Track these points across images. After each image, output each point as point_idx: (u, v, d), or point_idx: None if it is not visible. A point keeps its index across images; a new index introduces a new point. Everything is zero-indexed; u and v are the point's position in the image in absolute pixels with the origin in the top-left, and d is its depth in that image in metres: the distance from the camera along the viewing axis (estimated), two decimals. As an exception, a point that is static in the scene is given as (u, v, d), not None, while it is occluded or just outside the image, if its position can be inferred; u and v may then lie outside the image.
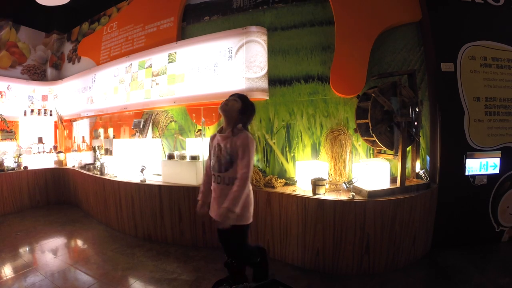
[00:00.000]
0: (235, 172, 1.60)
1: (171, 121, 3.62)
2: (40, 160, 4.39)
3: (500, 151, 2.49)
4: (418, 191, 2.23)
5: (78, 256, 2.58)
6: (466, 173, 2.45)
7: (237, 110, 1.65)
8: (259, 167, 2.95)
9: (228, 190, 1.59)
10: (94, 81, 4.26)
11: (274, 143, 2.95)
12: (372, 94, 2.20)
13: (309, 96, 2.78)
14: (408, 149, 2.37)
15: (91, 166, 3.77)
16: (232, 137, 1.63)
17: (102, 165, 3.46)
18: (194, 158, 2.81)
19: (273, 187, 2.51)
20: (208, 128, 3.30)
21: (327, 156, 2.63)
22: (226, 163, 1.62)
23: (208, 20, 3.33)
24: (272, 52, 2.92)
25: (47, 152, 4.60)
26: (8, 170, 3.91)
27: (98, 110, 4.16)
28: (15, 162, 4.05)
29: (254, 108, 1.76)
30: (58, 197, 4.38)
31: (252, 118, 1.80)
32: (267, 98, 2.88)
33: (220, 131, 1.72)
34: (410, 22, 2.55)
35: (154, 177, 3.09)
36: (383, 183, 2.21)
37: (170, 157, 2.95)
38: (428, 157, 2.57)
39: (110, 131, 4.21)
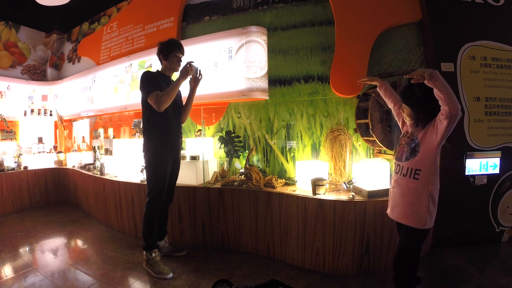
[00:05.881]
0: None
1: (171, 121, 3.62)
2: (40, 160, 4.39)
3: (500, 151, 2.49)
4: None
5: (78, 256, 2.58)
6: (466, 173, 2.44)
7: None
8: (259, 167, 2.95)
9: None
10: (94, 81, 4.26)
11: (274, 143, 2.95)
12: (372, 94, 2.20)
13: (309, 96, 2.79)
14: (408, 149, 2.37)
15: (91, 166, 3.77)
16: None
17: (102, 165, 3.46)
18: (194, 158, 2.81)
19: (273, 187, 2.51)
20: (208, 128, 3.30)
21: (327, 156, 2.63)
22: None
23: (208, 20, 3.33)
24: (272, 52, 2.92)
25: (47, 152, 4.60)
26: (8, 170, 3.91)
27: (98, 110, 4.16)
28: (15, 162, 4.05)
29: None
30: (58, 197, 4.38)
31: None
32: (267, 98, 2.88)
33: None
34: (410, 22, 2.55)
35: (154, 177, 3.09)
36: (383, 183, 2.20)
37: (170, 157, 2.95)
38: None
39: (110, 131, 4.21)
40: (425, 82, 1.34)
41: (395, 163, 1.63)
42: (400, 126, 1.74)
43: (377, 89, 1.88)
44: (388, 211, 1.68)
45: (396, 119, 1.79)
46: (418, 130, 1.52)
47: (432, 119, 1.45)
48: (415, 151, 1.49)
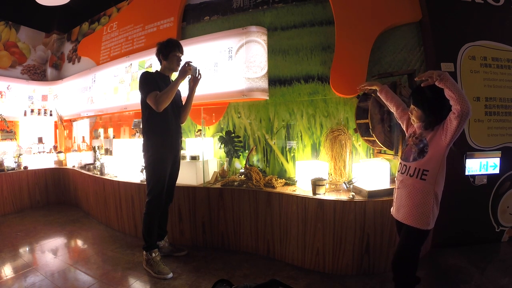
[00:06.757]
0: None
1: (171, 121, 3.62)
2: (40, 160, 4.39)
3: (500, 151, 2.49)
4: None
5: (78, 256, 2.58)
6: (466, 173, 2.44)
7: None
8: (259, 167, 2.95)
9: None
10: (94, 81, 4.26)
11: (274, 143, 2.95)
12: (372, 94, 2.20)
13: (309, 96, 2.79)
14: (408, 149, 2.37)
15: (91, 166, 3.77)
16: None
17: (102, 165, 3.46)
18: (194, 158, 2.81)
19: (273, 187, 2.51)
20: (208, 128, 3.30)
21: (327, 156, 2.63)
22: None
23: (208, 20, 3.34)
24: (272, 52, 2.92)
25: (47, 152, 4.60)
26: (8, 170, 3.91)
27: (98, 110, 4.16)
28: (15, 162, 4.05)
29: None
30: (58, 197, 4.38)
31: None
32: (267, 98, 2.88)
33: None
34: (410, 22, 2.55)
35: (154, 177, 3.09)
36: (383, 183, 2.20)
37: (170, 157, 2.95)
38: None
39: (110, 131, 4.21)
40: (436, 83, 1.35)
41: (400, 163, 1.62)
42: (404, 128, 1.73)
43: (378, 93, 1.87)
44: (393, 211, 1.66)
45: (400, 122, 1.78)
46: (427, 131, 1.53)
47: (441, 121, 1.45)
48: (424, 152, 1.49)
